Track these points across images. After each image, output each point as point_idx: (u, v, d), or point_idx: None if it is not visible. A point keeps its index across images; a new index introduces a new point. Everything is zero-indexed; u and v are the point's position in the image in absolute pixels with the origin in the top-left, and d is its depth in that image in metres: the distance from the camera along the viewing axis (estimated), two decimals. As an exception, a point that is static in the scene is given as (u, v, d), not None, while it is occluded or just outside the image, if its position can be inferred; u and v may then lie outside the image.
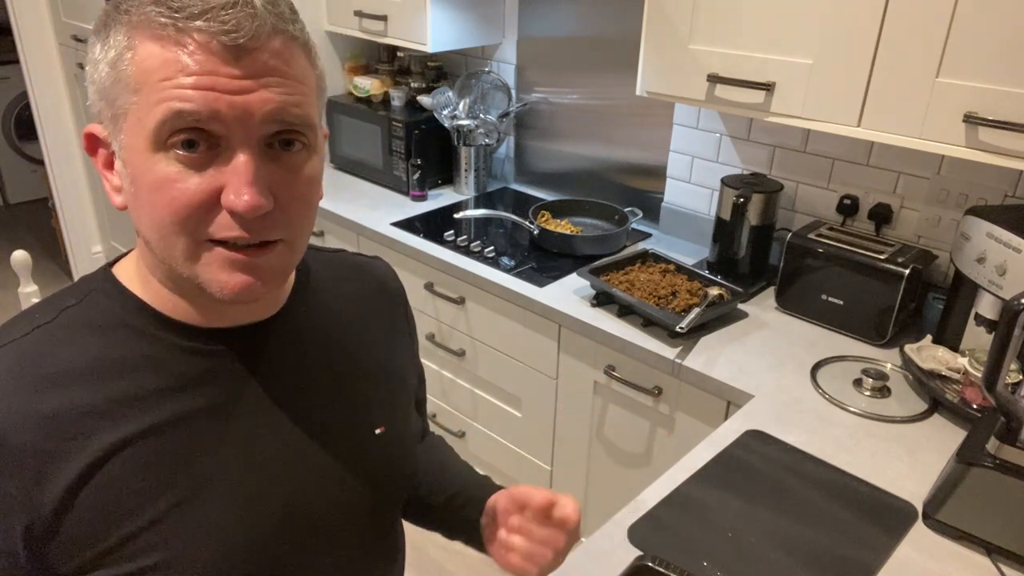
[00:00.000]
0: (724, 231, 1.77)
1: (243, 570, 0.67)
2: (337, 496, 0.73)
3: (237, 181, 0.58)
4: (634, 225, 2.12)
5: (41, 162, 3.42)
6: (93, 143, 0.64)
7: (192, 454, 0.65)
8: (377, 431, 0.78)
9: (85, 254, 3.49)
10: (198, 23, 0.56)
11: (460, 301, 1.94)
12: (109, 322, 0.66)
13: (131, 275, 0.68)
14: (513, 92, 2.34)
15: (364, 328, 0.81)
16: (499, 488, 0.89)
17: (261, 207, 0.59)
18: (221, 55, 0.56)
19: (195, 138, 0.58)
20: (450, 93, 2.28)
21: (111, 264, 0.71)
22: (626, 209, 2.06)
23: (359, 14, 2.24)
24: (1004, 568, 1.01)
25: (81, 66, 3.06)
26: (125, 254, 0.71)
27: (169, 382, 0.65)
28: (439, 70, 2.46)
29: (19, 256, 1.61)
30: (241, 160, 0.58)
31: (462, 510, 0.90)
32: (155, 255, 0.64)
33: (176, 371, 0.66)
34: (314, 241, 2.43)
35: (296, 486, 0.70)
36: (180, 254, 0.61)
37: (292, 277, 0.76)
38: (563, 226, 2.08)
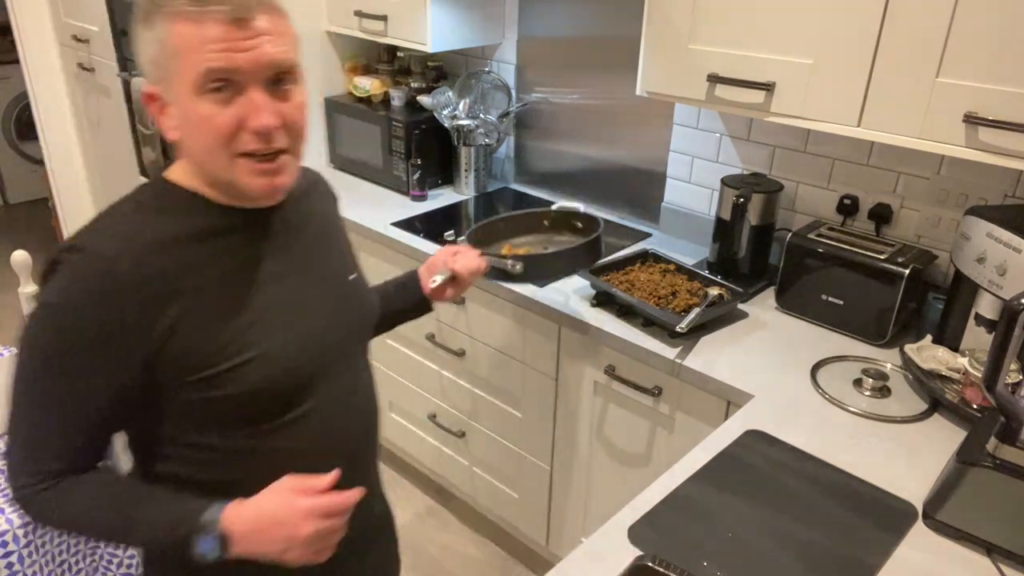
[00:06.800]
0: (724, 231, 1.77)
1: (304, 359, 0.97)
2: (343, 318, 1.05)
3: (255, 110, 0.85)
4: (634, 225, 2.12)
5: (41, 162, 3.42)
6: (150, 98, 0.89)
7: (253, 288, 0.94)
8: (351, 277, 1.09)
9: (85, 254, 3.49)
10: (212, 8, 0.82)
11: (460, 301, 1.94)
12: (178, 207, 0.92)
13: (182, 179, 0.94)
14: (513, 92, 2.34)
15: (324, 210, 1.12)
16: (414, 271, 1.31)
17: (272, 126, 0.86)
18: (231, 25, 0.83)
19: (223, 85, 0.84)
20: (450, 93, 2.28)
21: (160, 176, 0.96)
22: (554, 207, 1.72)
23: (359, 14, 2.24)
24: (1004, 568, 1.01)
25: (81, 66, 3.06)
26: (166, 167, 0.96)
27: (235, 242, 0.94)
28: (439, 70, 2.46)
29: (19, 256, 1.61)
30: (256, 95, 0.85)
31: (399, 294, 1.30)
32: (203, 168, 0.91)
33: (237, 235, 0.94)
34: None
35: (321, 308, 1.01)
36: (222, 166, 0.88)
37: None
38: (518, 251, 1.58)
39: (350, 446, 1.06)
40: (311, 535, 0.87)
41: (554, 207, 1.71)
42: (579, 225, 1.59)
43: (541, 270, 1.45)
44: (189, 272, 0.89)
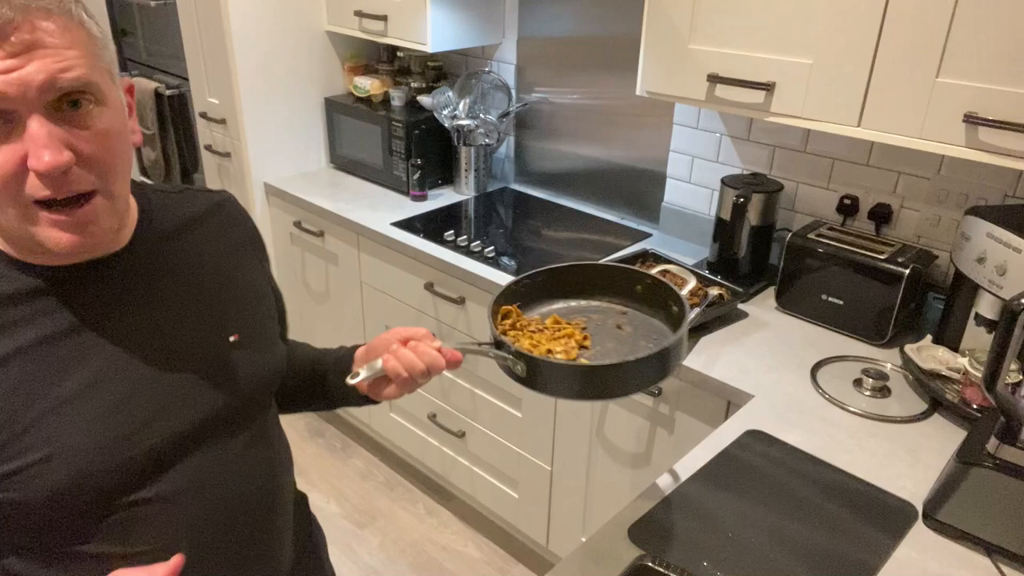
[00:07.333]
0: (724, 231, 1.77)
1: (128, 453, 0.77)
2: (199, 396, 0.83)
3: (34, 146, 0.66)
4: (634, 225, 2.12)
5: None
6: None
7: (61, 367, 0.75)
8: (232, 338, 0.87)
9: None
10: None
11: (460, 301, 1.94)
12: None
13: None
14: (513, 92, 2.34)
15: (216, 252, 0.91)
16: (356, 346, 1.04)
17: (60, 165, 0.67)
18: None
19: None
20: (450, 93, 2.28)
21: None
22: (656, 270, 1.15)
23: (359, 14, 2.24)
24: (1004, 568, 1.01)
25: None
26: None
27: (32, 311, 0.75)
28: (439, 70, 2.47)
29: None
30: (33, 127, 0.66)
31: (326, 377, 1.04)
32: None
33: (38, 302, 0.75)
34: (313, 241, 2.43)
35: (159, 389, 0.80)
36: (13, 219, 0.70)
37: (135, 218, 0.85)
38: (555, 337, 1.07)
39: (225, 540, 0.86)
40: None
41: (656, 270, 1.15)
42: (675, 310, 1.02)
43: (560, 384, 0.92)
44: None
